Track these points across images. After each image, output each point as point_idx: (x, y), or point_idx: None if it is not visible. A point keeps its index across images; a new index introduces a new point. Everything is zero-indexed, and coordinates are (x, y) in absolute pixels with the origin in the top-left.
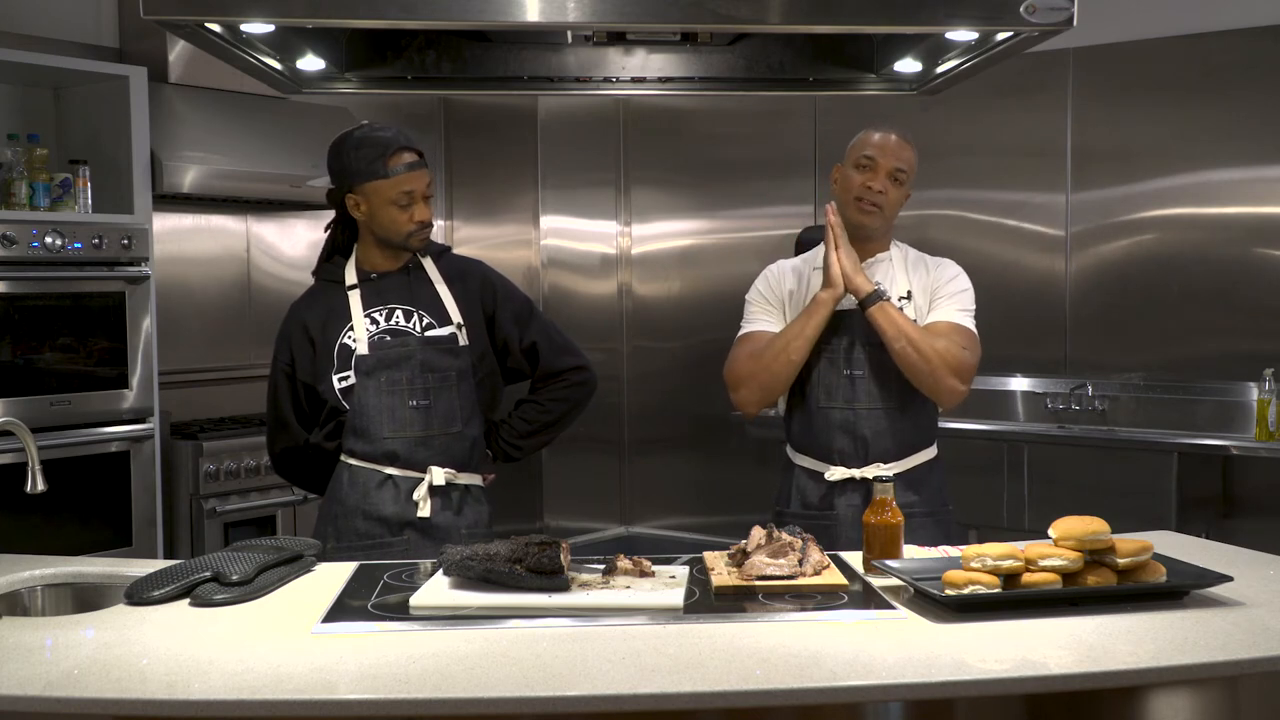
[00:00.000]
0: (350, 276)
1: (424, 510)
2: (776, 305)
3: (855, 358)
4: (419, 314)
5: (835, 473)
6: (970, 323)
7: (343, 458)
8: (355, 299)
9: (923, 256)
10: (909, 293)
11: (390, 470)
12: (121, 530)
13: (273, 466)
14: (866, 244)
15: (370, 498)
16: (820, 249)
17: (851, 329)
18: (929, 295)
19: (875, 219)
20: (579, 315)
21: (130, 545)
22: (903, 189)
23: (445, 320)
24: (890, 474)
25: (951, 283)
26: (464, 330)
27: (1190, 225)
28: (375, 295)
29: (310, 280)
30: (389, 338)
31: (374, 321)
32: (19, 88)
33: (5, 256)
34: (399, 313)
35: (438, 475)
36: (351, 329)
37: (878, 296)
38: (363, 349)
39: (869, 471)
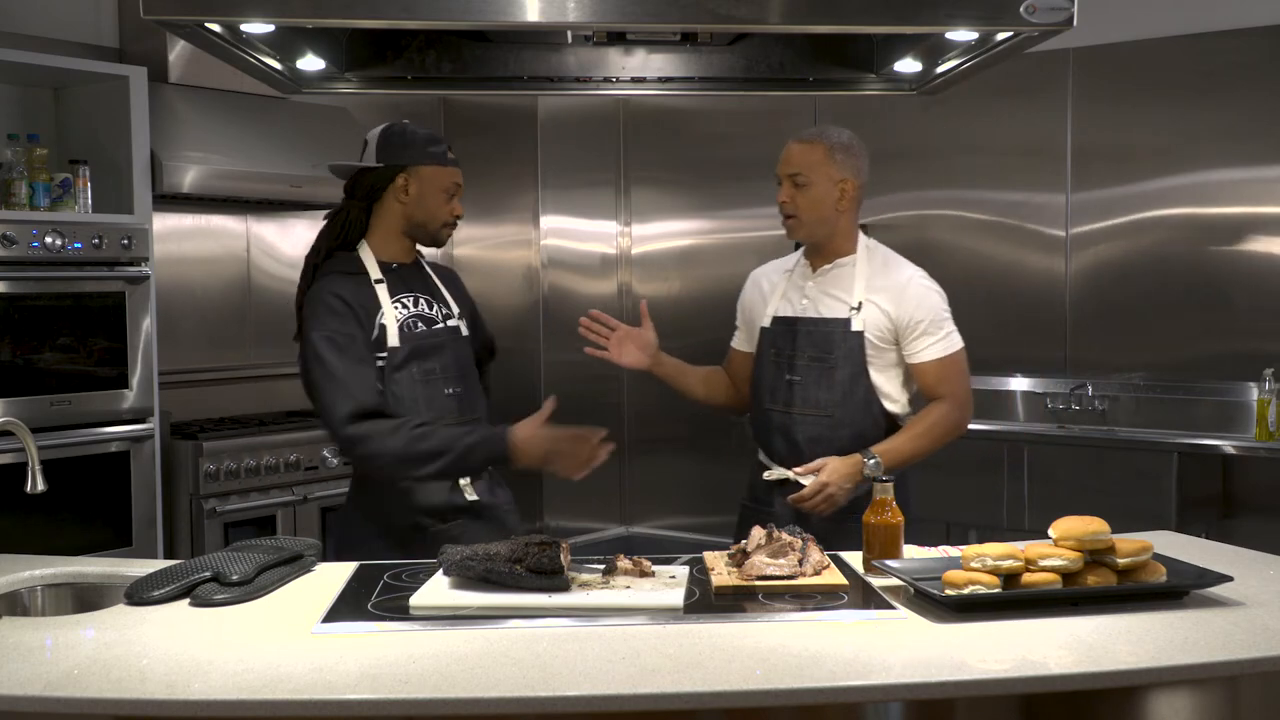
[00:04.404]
0: (374, 270)
1: (472, 494)
2: (743, 320)
3: (797, 364)
4: (438, 304)
5: (771, 473)
6: (948, 344)
7: None
8: (383, 290)
9: (886, 265)
10: (859, 304)
11: None
12: (121, 530)
13: (348, 442)
14: (822, 248)
15: (421, 490)
16: (797, 254)
17: (796, 337)
18: (894, 322)
19: (797, 230)
20: (579, 315)
21: (130, 545)
22: (811, 190)
23: (453, 312)
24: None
25: (919, 308)
26: (464, 322)
27: (1190, 225)
28: (400, 284)
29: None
30: (421, 325)
31: (404, 307)
32: (19, 88)
33: (5, 256)
34: (423, 301)
35: None
36: (383, 317)
37: (875, 470)
38: (394, 340)
39: (804, 477)
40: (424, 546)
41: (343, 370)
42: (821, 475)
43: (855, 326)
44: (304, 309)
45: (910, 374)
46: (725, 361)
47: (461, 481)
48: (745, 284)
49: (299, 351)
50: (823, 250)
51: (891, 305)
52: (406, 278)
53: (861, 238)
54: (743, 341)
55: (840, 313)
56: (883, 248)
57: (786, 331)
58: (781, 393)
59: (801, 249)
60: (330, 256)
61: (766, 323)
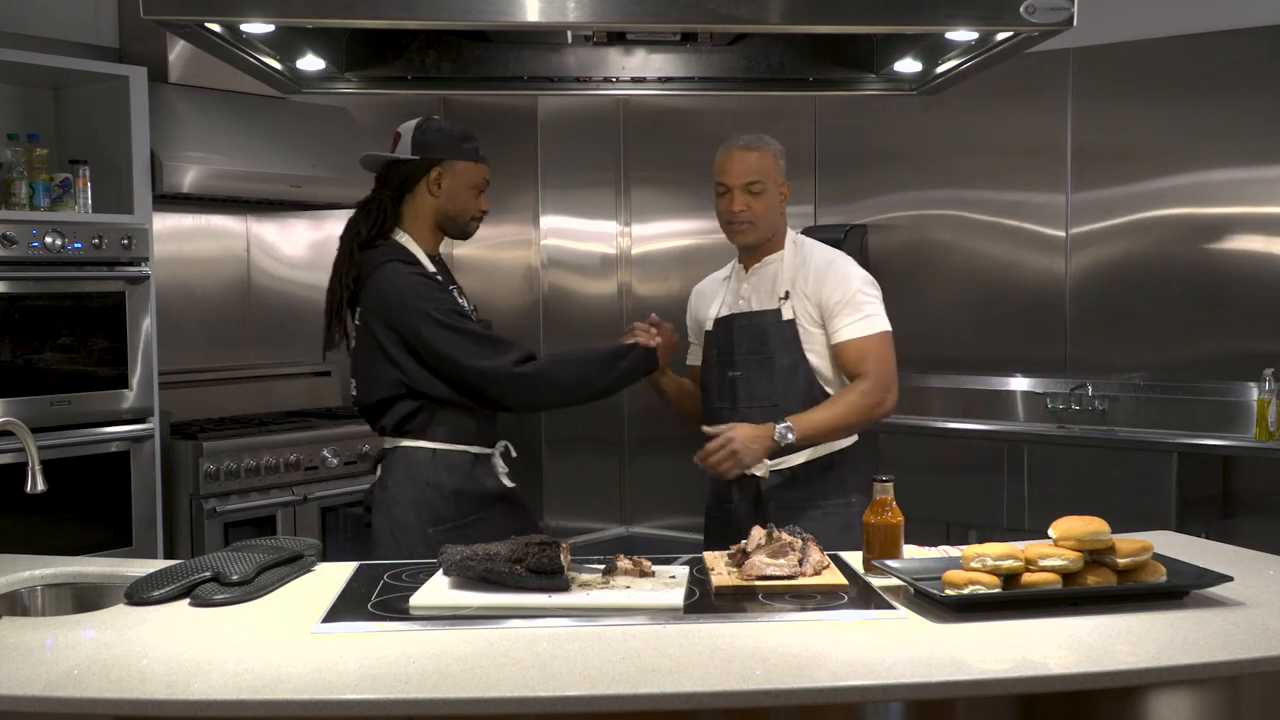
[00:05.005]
0: (426, 262)
1: (509, 481)
2: (694, 335)
3: (736, 359)
4: (465, 299)
5: None
6: (868, 325)
7: (420, 443)
8: (440, 281)
9: (810, 254)
10: (786, 294)
11: (475, 449)
12: (121, 530)
13: (524, 382)
14: (758, 249)
15: (471, 477)
16: (732, 264)
17: (733, 333)
18: (817, 301)
19: (750, 235)
20: (579, 315)
21: (130, 545)
22: (766, 196)
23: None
24: (801, 442)
25: (840, 287)
26: None
27: (1190, 225)
28: (445, 277)
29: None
30: (471, 319)
31: (457, 298)
32: (19, 88)
33: (5, 256)
34: (456, 293)
35: (511, 447)
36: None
37: (784, 435)
38: None
39: (757, 470)
40: (475, 532)
41: (484, 330)
42: (728, 431)
43: (786, 315)
44: (382, 293)
45: None
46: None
47: (499, 469)
48: (690, 301)
49: (383, 333)
50: (758, 251)
51: (813, 288)
52: (443, 271)
53: (789, 233)
54: (697, 356)
55: (771, 304)
56: (809, 240)
57: (725, 330)
58: (726, 389)
59: (735, 256)
60: (371, 245)
61: (710, 326)
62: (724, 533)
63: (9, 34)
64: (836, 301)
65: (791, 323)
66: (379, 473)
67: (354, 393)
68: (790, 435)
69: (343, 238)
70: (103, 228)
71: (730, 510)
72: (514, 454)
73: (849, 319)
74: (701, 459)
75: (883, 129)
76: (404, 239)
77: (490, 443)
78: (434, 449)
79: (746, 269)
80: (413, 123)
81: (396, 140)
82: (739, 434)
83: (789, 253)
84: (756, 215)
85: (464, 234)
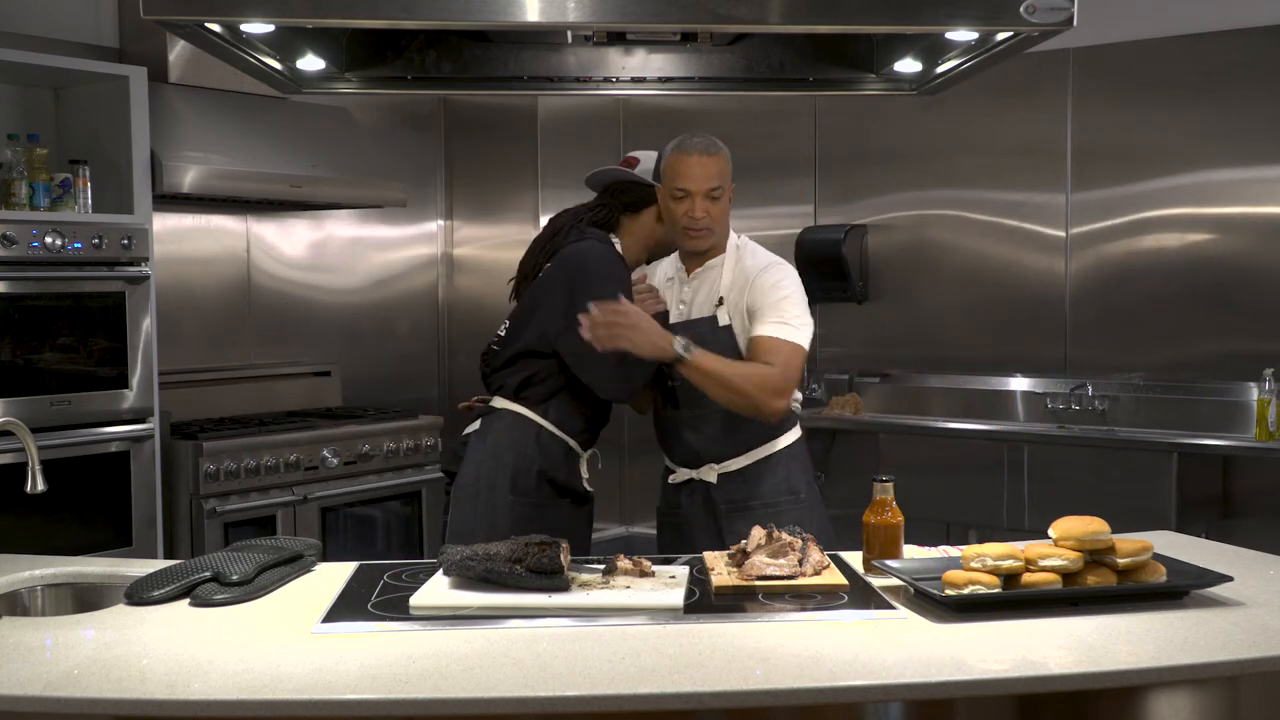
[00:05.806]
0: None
1: (589, 486)
2: None
3: (675, 368)
4: None
5: (677, 475)
6: (788, 332)
7: (531, 414)
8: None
9: (755, 257)
10: (720, 299)
11: (574, 443)
12: (121, 530)
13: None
14: (704, 254)
15: (561, 466)
16: (675, 261)
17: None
18: (746, 304)
19: (707, 241)
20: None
21: (130, 545)
22: (723, 199)
23: None
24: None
25: (770, 291)
26: None
27: (1190, 225)
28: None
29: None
30: None
31: None
32: (19, 88)
33: (5, 256)
34: None
35: (599, 458)
36: None
37: (681, 356)
38: None
39: (705, 474)
40: (543, 513)
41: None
42: (630, 307)
43: (722, 321)
44: (577, 252)
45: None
46: None
47: (583, 473)
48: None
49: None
50: (703, 255)
51: (745, 294)
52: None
53: (732, 236)
54: None
55: (707, 312)
56: (751, 244)
57: None
58: (669, 397)
59: (675, 254)
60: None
61: None
62: (676, 535)
63: (9, 34)
64: (764, 305)
65: (728, 328)
66: (478, 425)
67: (500, 334)
68: (688, 353)
69: (553, 219)
70: (103, 228)
71: (681, 514)
72: (600, 465)
73: (771, 320)
74: (590, 328)
75: (883, 129)
76: (615, 241)
77: (587, 445)
78: (540, 426)
79: (689, 272)
80: (653, 153)
81: (632, 163)
82: (637, 313)
83: (730, 257)
84: (715, 221)
85: (662, 255)
